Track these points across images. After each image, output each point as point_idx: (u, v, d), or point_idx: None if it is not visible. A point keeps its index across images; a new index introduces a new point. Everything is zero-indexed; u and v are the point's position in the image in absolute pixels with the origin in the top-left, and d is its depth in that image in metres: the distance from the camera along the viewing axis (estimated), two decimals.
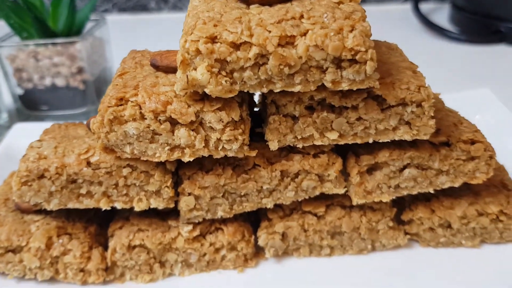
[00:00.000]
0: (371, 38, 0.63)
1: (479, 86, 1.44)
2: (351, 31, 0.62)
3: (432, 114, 0.69)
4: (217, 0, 0.67)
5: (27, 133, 1.07)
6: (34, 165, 0.71)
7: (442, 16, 2.07)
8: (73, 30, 1.38)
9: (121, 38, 1.99)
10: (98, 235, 0.80)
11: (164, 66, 0.72)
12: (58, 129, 0.84)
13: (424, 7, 2.14)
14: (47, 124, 0.90)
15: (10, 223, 0.76)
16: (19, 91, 1.38)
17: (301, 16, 0.64)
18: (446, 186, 0.76)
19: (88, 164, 0.71)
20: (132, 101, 0.67)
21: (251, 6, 0.66)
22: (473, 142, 0.74)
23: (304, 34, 0.62)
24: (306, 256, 0.81)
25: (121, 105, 0.67)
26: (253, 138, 0.75)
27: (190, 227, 0.76)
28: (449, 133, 0.74)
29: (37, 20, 1.28)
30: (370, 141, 0.71)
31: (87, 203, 0.73)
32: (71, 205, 0.73)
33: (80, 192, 0.73)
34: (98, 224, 0.81)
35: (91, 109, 1.39)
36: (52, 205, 0.73)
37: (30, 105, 1.41)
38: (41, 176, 0.71)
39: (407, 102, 0.68)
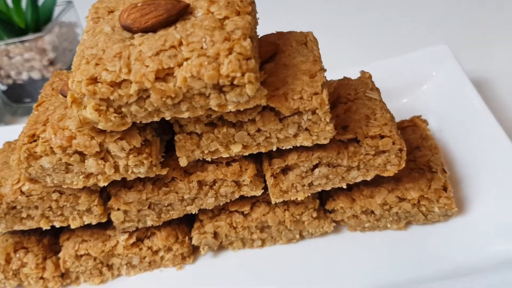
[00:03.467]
0: None
1: None
2: (228, 55, 0.62)
3: (328, 120, 0.69)
4: (103, 33, 0.68)
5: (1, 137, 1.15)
6: None
7: None
8: (40, 22, 1.41)
9: None
10: (54, 244, 0.89)
11: None
12: (8, 149, 0.91)
13: None
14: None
15: None
16: (2, 87, 1.45)
17: (180, 43, 0.64)
18: (358, 180, 0.77)
19: (22, 192, 0.78)
20: (42, 138, 0.71)
21: (135, 35, 0.67)
22: (382, 136, 0.74)
23: (182, 64, 0.63)
24: (240, 248, 0.87)
25: (34, 140, 0.72)
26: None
27: (126, 235, 0.83)
28: (356, 130, 0.74)
29: (1, 21, 1.31)
30: (274, 148, 0.73)
31: (30, 225, 0.81)
32: (16, 227, 0.81)
33: (21, 216, 0.80)
34: (53, 234, 0.89)
35: None
36: (0, 229, 0.81)
37: (14, 99, 1.49)
38: None
39: (301, 111, 0.69)
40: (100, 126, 0.66)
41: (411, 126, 0.91)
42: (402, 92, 1.06)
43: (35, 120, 0.74)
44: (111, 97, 0.64)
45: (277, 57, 0.77)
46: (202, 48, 0.63)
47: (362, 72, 0.89)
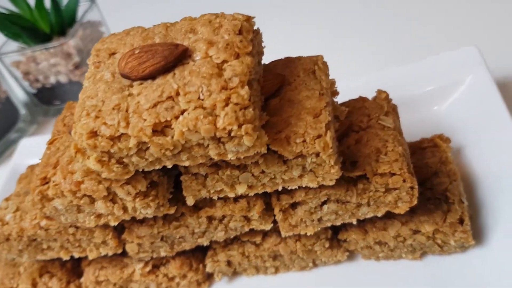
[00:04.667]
0: None
1: None
2: (224, 106, 0.61)
3: (333, 162, 0.67)
4: (103, 80, 0.68)
5: (32, 149, 1.20)
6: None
7: None
8: (65, 24, 1.42)
9: None
10: (76, 267, 0.92)
11: None
12: (31, 174, 0.94)
13: None
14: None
15: (3, 267, 0.91)
16: (32, 90, 1.50)
17: (177, 93, 0.63)
18: (369, 216, 0.75)
19: (40, 227, 0.81)
20: (53, 181, 0.73)
21: (134, 83, 0.66)
22: (393, 174, 0.71)
23: (179, 116, 0.62)
24: (254, 275, 0.87)
25: (47, 182, 0.74)
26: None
27: (142, 264, 0.86)
28: (365, 166, 0.72)
29: (25, 29, 1.33)
30: (280, 188, 0.72)
31: (51, 255, 0.85)
32: (39, 257, 0.85)
33: (42, 247, 0.84)
34: (75, 258, 0.93)
35: None
36: (24, 259, 0.86)
37: (44, 101, 1.53)
38: (8, 239, 0.83)
39: (304, 154, 0.67)
40: (104, 175, 0.67)
41: (431, 147, 0.86)
42: (424, 102, 1.01)
43: (46, 162, 0.76)
44: (111, 150, 0.64)
45: (283, 90, 0.74)
46: (199, 98, 0.62)
47: (379, 92, 0.85)
